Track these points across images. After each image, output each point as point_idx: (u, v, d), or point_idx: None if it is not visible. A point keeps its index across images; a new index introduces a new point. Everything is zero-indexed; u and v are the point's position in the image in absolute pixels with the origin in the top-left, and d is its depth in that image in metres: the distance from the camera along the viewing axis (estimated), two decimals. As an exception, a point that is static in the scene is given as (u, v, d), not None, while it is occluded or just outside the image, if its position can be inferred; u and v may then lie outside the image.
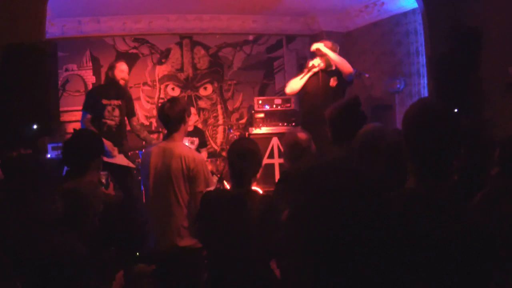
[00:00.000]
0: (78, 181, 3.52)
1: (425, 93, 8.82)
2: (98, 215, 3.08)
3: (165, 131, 5.17)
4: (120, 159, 6.71)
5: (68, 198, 2.93)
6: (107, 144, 6.58)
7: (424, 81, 8.83)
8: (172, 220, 4.59)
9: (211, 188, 4.77)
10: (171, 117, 4.70)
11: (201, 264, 4.50)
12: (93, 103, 6.95)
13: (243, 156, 3.75)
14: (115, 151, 6.70)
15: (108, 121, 6.94)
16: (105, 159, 6.52)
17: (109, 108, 6.97)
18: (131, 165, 7.01)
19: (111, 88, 7.03)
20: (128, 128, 7.39)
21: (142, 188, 4.95)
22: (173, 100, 4.89)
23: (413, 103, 2.32)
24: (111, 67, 7.16)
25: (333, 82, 7.16)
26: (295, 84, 7.49)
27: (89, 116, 6.93)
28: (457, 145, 2.22)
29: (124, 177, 6.66)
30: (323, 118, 4.72)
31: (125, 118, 7.22)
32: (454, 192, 2.19)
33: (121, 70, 7.08)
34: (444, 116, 2.19)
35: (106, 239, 3.13)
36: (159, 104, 10.47)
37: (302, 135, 4.85)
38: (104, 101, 6.96)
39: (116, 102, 7.03)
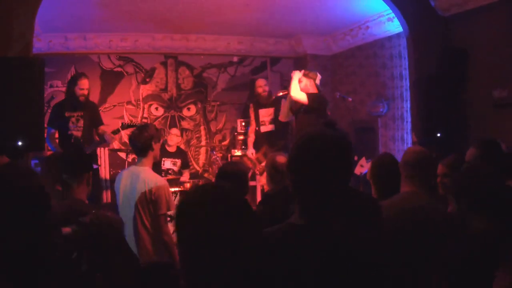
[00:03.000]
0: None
1: (408, 116, 8.89)
2: None
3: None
4: None
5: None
6: None
7: (407, 105, 8.90)
8: (140, 242, 4.72)
9: (172, 211, 4.91)
10: (138, 144, 4.84)
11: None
12: (56, 117, 7.12)
13: (235, 177, 3.75)
14: None
15: (74, 132, 7.11)
16: None
17: (73, 119, 7.16)
18: (94, 166, 7.25)
19: (72, 101, 7.23)
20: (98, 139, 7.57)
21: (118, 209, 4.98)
22: (142, 127, 5.00)
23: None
24: (73, 82, 7.36)
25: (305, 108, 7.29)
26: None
27: (53, 131, 7.13)
28: (338, 177, 2.02)
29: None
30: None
31: (93, 129, 7.44)
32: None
33: (81, 87, 7.27)
34: (321, 147, 2.02)
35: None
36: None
37: (280, 159, 4.88)
38: (67, 114, 7.14)
39: (79, 113, 7.23)
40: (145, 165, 4.88)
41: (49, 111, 8.01)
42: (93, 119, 7.43)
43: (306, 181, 2.00)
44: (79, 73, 7.79)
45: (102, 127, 7.59)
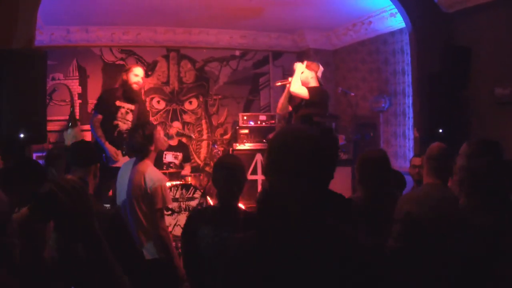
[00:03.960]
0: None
1: (409, 112, 8.88)
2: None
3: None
4: (123, 161, 6.64)
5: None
6: (110, 149, 6.59)
7: (409, 100, 8.89)
8: (137, 233, 4.68)
9: (169, 205, 5.01)
10: (137, 141, 4.81)
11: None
12: (106, 104, 6.85)
13: (229, 172, 3.74)
14: (118, 155, 6.65)
15: (120, 123, 6.83)
16: (111, 165, 6.56)
17: (123, 110, 6.88)
18: None
19: (125, 91, 6.91)
20: None
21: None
22: (136, 128, 4.97)
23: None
24: (126, 70, 7.07)
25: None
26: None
27: (99, 116, 6.84)
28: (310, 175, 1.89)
29: None
30: None
31: None
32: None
33: (136, 74, 6.96)
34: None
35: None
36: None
37: None
38: (118, 103, 6.86)
39: (130, 106, 6.94)
40: (142, 160, 4.84)
41: (51, 103, 8.02)
42: (140, 116, 7.09)
43: (279, 181, 1.90)
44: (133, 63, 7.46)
45: None
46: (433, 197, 3.70)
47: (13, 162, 3.76)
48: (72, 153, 3.88)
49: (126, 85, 6.93)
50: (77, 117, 9.49)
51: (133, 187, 4.69)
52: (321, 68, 7.34)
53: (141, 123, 5.09)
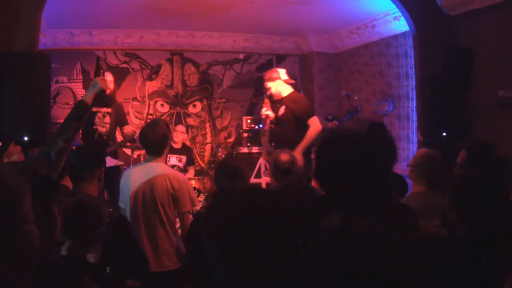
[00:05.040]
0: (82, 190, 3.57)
1: (413, 116, 8.87)
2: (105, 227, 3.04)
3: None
4: (108, 162, 6.66)
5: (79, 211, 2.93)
6: None
7: (413, 104, 8.87)
8: (159, 242, 4.43)
9: (197, 207, 4.81)
10: (153, 142, 4.58)
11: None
12: None
13: (232, 175, 3.74)
14: None
15: (99, 128, 7.09)
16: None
17: (99, 115, 7.14)
18: (119, 163, 7.24)
19: (99, 96, 6.96)
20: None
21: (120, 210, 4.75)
22: (154, 124, 4.70)
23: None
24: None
25: (280, 110, 6.92)
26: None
27: None
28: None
29: (115, 177, 6.66)
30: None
31: (117, 127, 7.41)
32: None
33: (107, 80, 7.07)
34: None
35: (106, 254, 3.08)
36: (148, 121, 10.51)
37: (284, 156, 4.84)
38: (94, 109, 7.05)
39: (106, 109, 7.22)
40: (160, 161, 4.63)
41: (55, 106, 8.04)
42: (119, 118, 7.44)
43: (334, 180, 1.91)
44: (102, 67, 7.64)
45: (126, 127, 7.59)
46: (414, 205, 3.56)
47: None
48: (79, 156, 3.85)
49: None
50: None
51: (157, 191, 4.43)
52: (281, 70, 7.16)
53: (156, 121, 4.95)
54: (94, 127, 7.13)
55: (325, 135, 2.02)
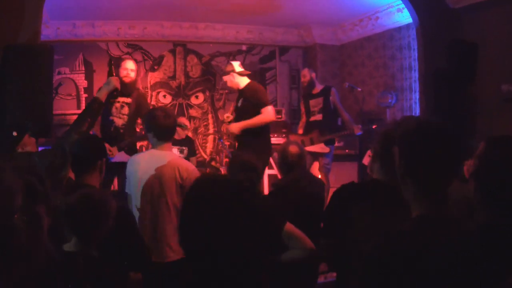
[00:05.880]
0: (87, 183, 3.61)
1: (416, 108, 8.87)
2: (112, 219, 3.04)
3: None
4: (120, 157, 6.54)
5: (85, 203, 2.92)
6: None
7: (416, 96, 8.87)
8: (163, 232, 4.42)
9: None
10: (166, 128, 4.60)
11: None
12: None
13: (246, 168, 3.74)
14: (113, 151, 6.57)
15: (115, 119, 6.73)
16: (112, 160, 6.44)
17: (117, 105, 6.75)
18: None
19: (112, 95, 6.71)
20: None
21: (126, 197, 4.73)
22: (167, 111, 4.72)
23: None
24: (117, 66, 7.03)
25: (240, 102, 6.94)
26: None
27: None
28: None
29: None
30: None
31: (137, 119, 6.97)
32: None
33: (124, 68, 6.84)
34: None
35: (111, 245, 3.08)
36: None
37: (293, 148, 4.81)
38: (111, 99, 6.70)
39: (125, 99, 6.79)
40: (166, 149, 4.64)
41: (57, 97, 8.03)
42: (139, 109, 6.85)
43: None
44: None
45: None
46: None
47: None
48: (81, 147, 3.84)
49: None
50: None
51: (165, 180, 4.42)
52: (235, 62, 7.15)
53: (166, 108, 4.88)
54: (111, 118, 6.70)
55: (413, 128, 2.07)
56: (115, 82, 6.39)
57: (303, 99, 8.94)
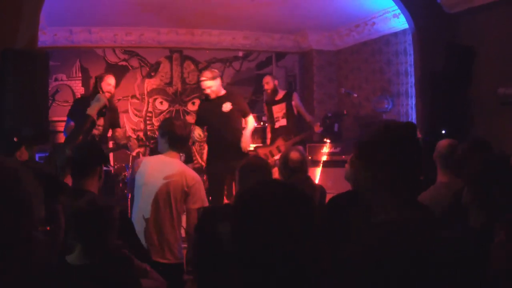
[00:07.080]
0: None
1: (413, 113, 8.87)
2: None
3: (152, 146, 5.05)
4: None
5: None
6: None
7: (412, 101, 8.88)
8: (163, 234, 4.51)
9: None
10: (182, 137, 4.72)
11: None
12: (78, 110, 6.86)
13: (259, 173, 3.75)
14: None
15: (93, 130, 6.90)
16: None
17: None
18: (109, 168, 7.31)
19: (101, 112, 6.93)
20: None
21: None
22: (184, 121, 5.05)
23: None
24: (99, 79, 7.24)
25: (225, 107, 7.08)
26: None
27: (72, 123, 6.91)
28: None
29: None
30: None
31: (110, 129, 7.36)
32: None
33: (108, 83, 7.15)
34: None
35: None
36: (147, 118, 10.50)
37: (294, 155, 4.88)
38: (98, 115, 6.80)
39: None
40: (174, 157, 4.73)
41: (53, 104, 8.02)
42: (113, 121, 7.38)
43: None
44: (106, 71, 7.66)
45: (119, 130, 7.55)
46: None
47: None
48: (81, 153, 3.85)
49: (99, 93, 7.06)
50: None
51: (173, 188, 4.53)
52: (214, 72, 7.26)
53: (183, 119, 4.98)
54: None
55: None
56: (104, 98, 6.54)
57: (267, 106, 9.44)
